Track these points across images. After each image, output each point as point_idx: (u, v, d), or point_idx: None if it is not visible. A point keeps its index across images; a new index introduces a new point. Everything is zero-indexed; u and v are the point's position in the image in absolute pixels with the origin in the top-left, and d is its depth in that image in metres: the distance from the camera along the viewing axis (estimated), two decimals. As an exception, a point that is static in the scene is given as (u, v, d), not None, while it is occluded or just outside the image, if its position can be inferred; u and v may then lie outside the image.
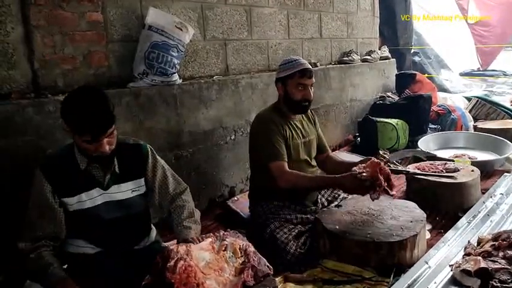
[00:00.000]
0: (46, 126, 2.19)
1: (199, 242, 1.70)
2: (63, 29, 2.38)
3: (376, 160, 2.19)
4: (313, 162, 2.67)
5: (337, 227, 2.21)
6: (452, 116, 4.74)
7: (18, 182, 2.05)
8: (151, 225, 2.06)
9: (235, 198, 3.10)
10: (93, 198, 1.75)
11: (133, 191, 1.85)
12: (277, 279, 1.97)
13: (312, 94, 2.50)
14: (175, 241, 2.41)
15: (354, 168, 2.20)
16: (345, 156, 3.87)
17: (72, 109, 1.62)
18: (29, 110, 2.14)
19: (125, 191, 1.82)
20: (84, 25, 2.48)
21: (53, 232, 1.72)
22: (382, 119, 4.30)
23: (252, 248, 1.75)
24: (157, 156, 1.97)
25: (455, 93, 6.49)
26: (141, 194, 1.89)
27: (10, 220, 1.99)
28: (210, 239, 1.71)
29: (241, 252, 1.70)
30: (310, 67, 2.49)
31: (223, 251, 1.67)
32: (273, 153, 2.39)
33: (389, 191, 2.16)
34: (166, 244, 2.18)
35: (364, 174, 2.13)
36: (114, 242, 1.82)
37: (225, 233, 1.79)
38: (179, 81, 2.88)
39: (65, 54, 2.41)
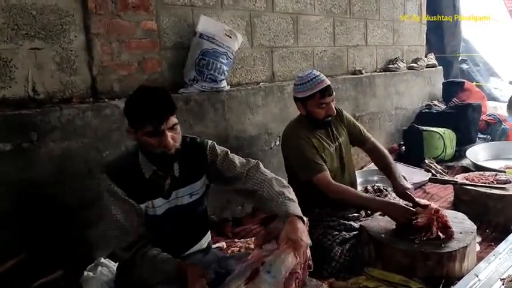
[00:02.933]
0: (103, 129, 2.31)
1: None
2: (120, 36, 2.50)
3: (435, 207, 2.15)
4: (348, 166, 2.60)
5: (383, 235, 2.20)
6: (503, 126, 4.59)
7: (78, 181, 2.19)
8: (208, 226, 2.02)
9: (279, 204, 3.12)
10: (156, 207, 1.73)
11: (192, 195, 1.80)
12: (322, 285, 1.99)
13: (334, 108, 2.42)
14: (221, 243, 2.49)
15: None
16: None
17: (132, 103, 1.64)
18: (88, 114, 2.26)
19: (183, 196, 1.78)
20: (140, 33, 2.59)
21: (143, 234, 1.68)
22: (428, 128, 4.21)
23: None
24: (217, 148, 1.86)
25: (505, 102, 6.25)
26: (198, 198, 1.84)
27: (69, 218, 2.13)
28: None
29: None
30: (329, 83, 2.36)
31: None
32: (313, 167, 2.35)
33: (442, 236, 2.10)
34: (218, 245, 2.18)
35: (419, 220, 2.09)
36: (172, 248, 1.77)
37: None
38: (227, 87, 2.96)
39: (121, 61, 2.52)
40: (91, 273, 1.97)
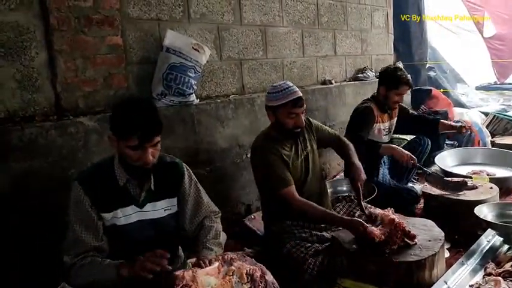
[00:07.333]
0: (68, 147, 2.26)
1: (207, 266, 1.67)
2: (84, 53, 2.46)
3: (391, 217, 2.16)
4: (314, 175, 2.62)
5: (354, 245, 2.21)
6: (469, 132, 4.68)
7: (44, 202, 2.11)
8: (180, 248, 2.04)
9: (252, 217, 3.12)
10: (127, 215, 1.74)
11: (166, 209, 1.84)
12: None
13: (303, 120, 2.46)
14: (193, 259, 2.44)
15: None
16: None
17: (121, 113, 1.65)
18: (52, 132, 2.20)
19: (158, 209, 1.82)
20: (105, 49, 2.55)
21: (98, 245, 1.69)
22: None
23: (258, 273, 1.71)
24: (193, 176, 1.97)
25: (471, 107, 6.42)
26: (173, 214, 1.88)
27: (37, 238, 2.05)
28: (217, 263, 1.68)
29: (247, 278, 1.66)
30: (301, 95, 2.42)
31: (230, 275, 1.64)
32: (279, 182, 2.37)
33: (410, 242, 2.13)
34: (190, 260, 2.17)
35: (382, 237, 2.07)
36: None
37: (233, 257, 1.75)
38: (196, 101, 2.94)
39: (86, 77, 2.48)
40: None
